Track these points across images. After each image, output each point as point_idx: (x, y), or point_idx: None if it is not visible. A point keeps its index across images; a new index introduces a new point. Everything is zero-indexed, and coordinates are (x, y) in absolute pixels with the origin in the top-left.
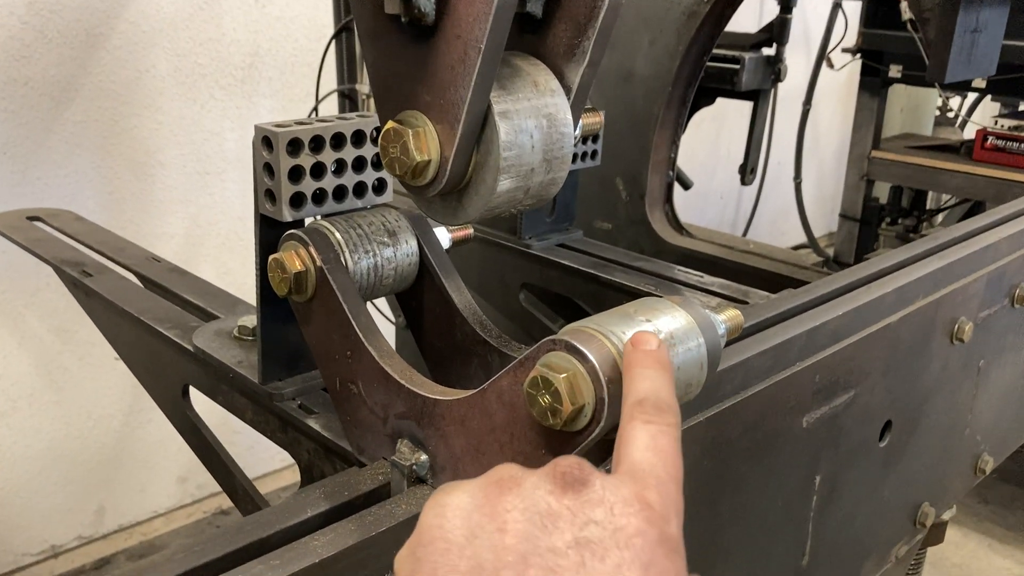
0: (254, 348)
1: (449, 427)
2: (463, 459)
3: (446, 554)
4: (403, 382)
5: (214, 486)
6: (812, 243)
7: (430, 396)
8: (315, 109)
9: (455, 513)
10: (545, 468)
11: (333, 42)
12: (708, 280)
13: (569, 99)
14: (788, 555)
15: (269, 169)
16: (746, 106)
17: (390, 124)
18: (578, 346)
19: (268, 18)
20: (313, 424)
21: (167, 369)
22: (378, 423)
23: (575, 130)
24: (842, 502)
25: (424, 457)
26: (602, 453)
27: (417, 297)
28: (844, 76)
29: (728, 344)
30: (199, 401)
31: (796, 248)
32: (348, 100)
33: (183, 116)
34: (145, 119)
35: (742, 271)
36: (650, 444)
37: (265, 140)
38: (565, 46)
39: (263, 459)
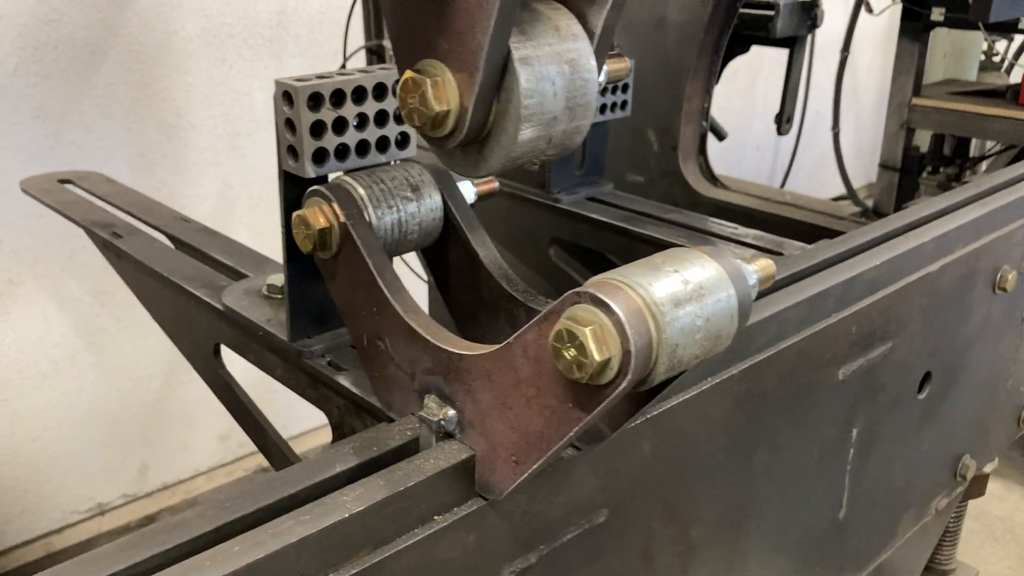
0: (283, 306)
1: (475, 382)
2: (490, 414)
3: None
4: (429, 338)
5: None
6: (851, 194)
7: (456, 351)
8: (343, 66)
9: None
10: None
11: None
12: (742, 232)
13: (592, 43)
14: (824, 507)
15: (290, 125)
16: (782, 54)
17: (408, 74)
18: (603, 298)
19: None
20: (343, 381)
21: (198, 328)
22: (406, 379)
23: (600, 76)
24: (880, 454)
25: (452, 412)
26: (632, 407)
27: (442, 253)
28: (883, 22)
29: (761, 295)
30: (239, 360)
31: (835, 200)
32: (376, 56)
33: (212, 77)
34: (175, 80)
35: (778, 223)
36: None
37: (285, 95)
38: None
39: (301, 416)
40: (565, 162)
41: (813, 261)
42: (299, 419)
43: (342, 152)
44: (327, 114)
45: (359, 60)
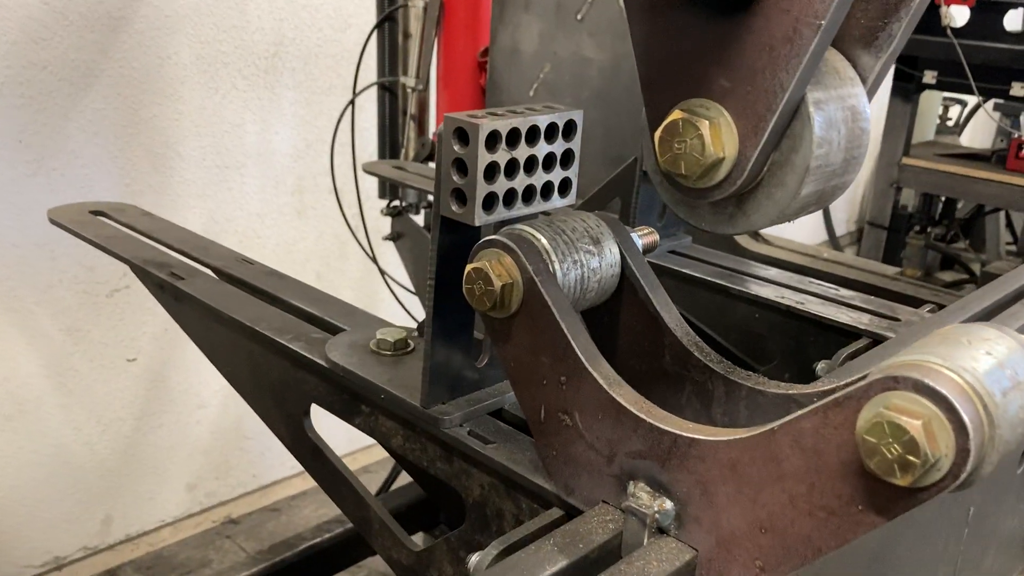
0: (397, 365)
1: (711, 472)
2: (729, 510)
3: None
4: (642, 416)
5: (224, 494)
6: (835, 247)
7: (684, 434)
8: (351, 102)
9: None
10: None
11: (371, 32)
12: (845, 294)
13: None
14: None
15: (460, 165)
16: None
17: (678, 114)
18: (933, 386)
19: (293, 6)
20: (495, 455)
21: (288, 386)
22: (600, 461)
23: None
24: (983, 533)
25: (669, 505)
26: None
27: (612, 312)
28: None
29: None
30: (212, 406)
31: None
32: (388, 93)
33: (204, 106)
34: (166, 108)
35: (833, 280)
36: None
37: (459, 132)
38: (863, 29)
39: (274, 466)
40: (648, 212)
41: None
42: (272, 468)
43: (509, 198)
44: (502, 155)
45: (370, 95)
